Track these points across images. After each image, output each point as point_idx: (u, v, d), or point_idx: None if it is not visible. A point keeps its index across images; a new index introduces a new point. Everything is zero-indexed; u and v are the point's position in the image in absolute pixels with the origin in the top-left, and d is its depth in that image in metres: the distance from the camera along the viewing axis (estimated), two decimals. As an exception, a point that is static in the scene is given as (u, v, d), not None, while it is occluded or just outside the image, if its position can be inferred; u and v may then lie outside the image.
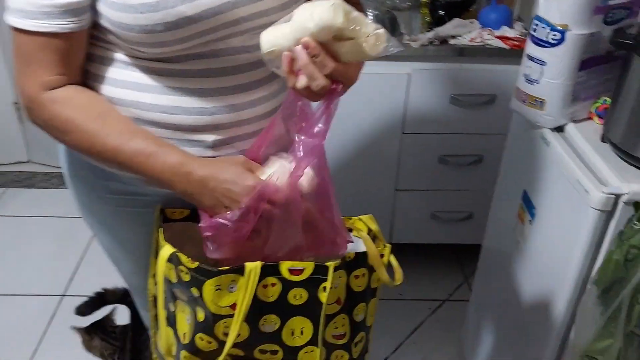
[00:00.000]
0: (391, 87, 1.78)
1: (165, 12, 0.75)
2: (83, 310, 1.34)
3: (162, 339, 0.93)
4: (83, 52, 0.83)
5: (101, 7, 0.78)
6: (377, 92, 1.78)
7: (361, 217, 0.98)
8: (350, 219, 0.98)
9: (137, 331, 1.46)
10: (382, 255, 0.92)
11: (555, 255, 1.16)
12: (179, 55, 0.81)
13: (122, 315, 1.48)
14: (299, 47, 0.74)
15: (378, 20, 1.82)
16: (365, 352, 1.00)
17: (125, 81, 0.83)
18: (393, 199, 1.98)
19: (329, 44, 0.75)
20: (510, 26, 1.77)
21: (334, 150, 1.86)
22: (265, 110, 0.91)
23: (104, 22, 0.79)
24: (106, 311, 1.49)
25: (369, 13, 1.84)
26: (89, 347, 1.45)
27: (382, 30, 0.77)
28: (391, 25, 1.85)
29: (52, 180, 2.63)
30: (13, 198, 2.51)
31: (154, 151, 0.81)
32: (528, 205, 1.28)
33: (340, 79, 0.78)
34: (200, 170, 0.81)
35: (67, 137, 0.83)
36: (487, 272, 1.61)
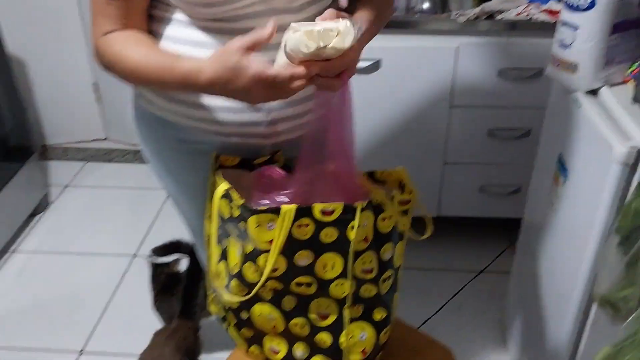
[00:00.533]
0: (440, 61, 1.85)
1: None
2: (158, 251, 1.49)
3: (212, 265, 1.06)
4: (140, 13, 0.96)
5: None
6: (425, 66, 1.85)
7: (394, 170, 1.07)
8: (383, 172, 1.08)
9: (192, 281, 1.62)
10: (406, 202, 1.01)
11: (582, 212, 1.21)
12: (233, 15, 0.93)
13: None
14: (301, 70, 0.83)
15: (429, -4, 1.90)
16: (394, 291, 1.08)
17: (184, 39, 0.96)
18: (441, 173, 2.04)
19: (318, 54, 0.82)
20: (559, 0, 1.80)
21: (383, 124, 1.95)
22: None
23: None
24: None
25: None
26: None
27: (342, 25, 0.82)
28: (441, 1, 1.92)
29: (126, 156, 2.85)
30: (92, 171, 2.75)
31: (181, 61, 0.91)
32: (562, 167, 1.33)
33: (346, 67, 0.86)
34: (209, 73, 0.87)
35: (117, 67, 0.95)
36: (527, 242, 1.66)
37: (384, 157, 1.97)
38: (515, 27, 1.79)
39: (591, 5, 1.15)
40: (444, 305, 1.93)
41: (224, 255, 1.06)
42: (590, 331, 1.23)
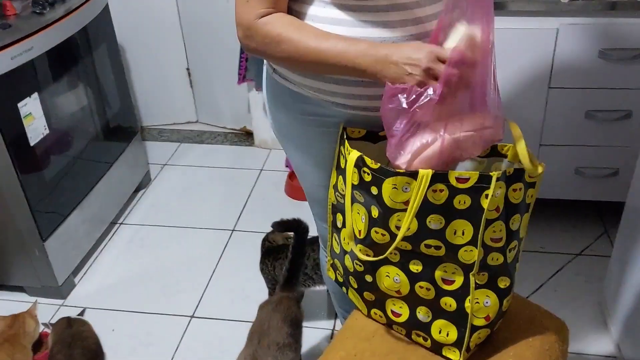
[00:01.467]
0: (539, 42, 1.85)
1: None
2: (277, 226, 1.58)
3: (347, 229, 1.12)
4: None
5: None
6: (525, 47, 1.86)
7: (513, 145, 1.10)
8: (505, 145, 1.11)
9: (297, 255, 1.70)
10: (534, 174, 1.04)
11: None
12: None
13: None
14: None
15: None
16: (516, 261, 1.11)
17: (324, 17, 1.03)
18: (537, 154, 2.04)
19: None
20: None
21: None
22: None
23: None
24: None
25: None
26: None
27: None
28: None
29: (217, 138, 2.98)
30: (186, 151, 2.89)
31: (346, 43, 0.99)
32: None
33: None
34: (384, 49, 0.97)
35: (279, 49, 1.01)
36: (632, 227, 1.64)
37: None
38: (616, 6, 1.77)
39: None
40: (540, 287, 1.94)
41: (350, 221, 1.12)
42: None
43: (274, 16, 1.02)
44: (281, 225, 1.57)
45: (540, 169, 1.05)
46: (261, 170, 2.71)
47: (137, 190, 2.55)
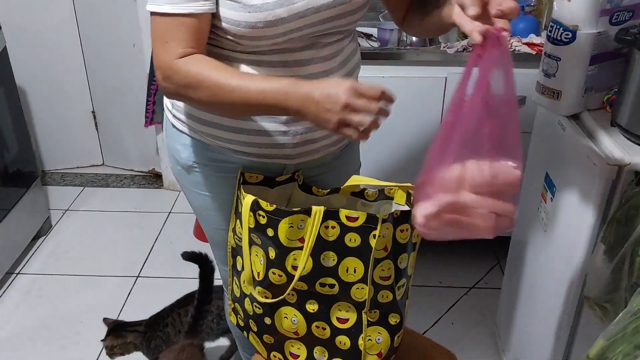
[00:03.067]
0: (430, 90, 1.99)
1: (266, 12, 0.98)
2: (186, 256, 1.57)
3: (246, 271, 1.15)
4: (208, 32, 1.04)
5: (219, 5, 1.00)
6: (417, 94, 1.99)
7: (400, 185, 1.18)
8: (392, 189, 1.19)
9: (202, 301, 1.70)
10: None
11: (571, 225, 1.34)
12: (266, 50, 1.04)
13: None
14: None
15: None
16: (406, 298, 1.18)
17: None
18: (432, 193, 2.16)
19: None
20: (537, 34, 1.96)
21: (381, 151, 2.07)
22: None
23: (216, 19, 1.01)
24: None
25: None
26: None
27: None
28: (430, 35, 2.07)
29: (124, 181, 2.93)
30: (91, 196, 2.81)
31: (268, 81, 1.00)
32: (549, 185, 1.46)
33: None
34: (306, 86, 0.96)
35: (200, 87, 0.99)
36: (517, 257, 1.77)
37: (384, 179, 2.08)
38: (499, 58, 1.94)
39: (572, 40, 1.29)
40: (438, 320, 2.04)
41: (250, 263, 1.15)
42: (580, 333, 1.35)
43: (195, 56, 1.02)
44: (189, 256, 1.58)
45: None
46: (169, 212, 2.68)
47: (36, 238, 2.45)
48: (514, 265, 1.80)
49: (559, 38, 1.31)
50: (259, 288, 1.13)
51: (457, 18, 0.94)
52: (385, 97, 0.94)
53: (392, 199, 1.20)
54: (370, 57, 1.94)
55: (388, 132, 2.06)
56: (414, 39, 2.20)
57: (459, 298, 2.14)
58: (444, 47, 1.98)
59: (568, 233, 1.36)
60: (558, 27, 1.31)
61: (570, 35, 1.29)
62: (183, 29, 1.00)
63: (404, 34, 2.13)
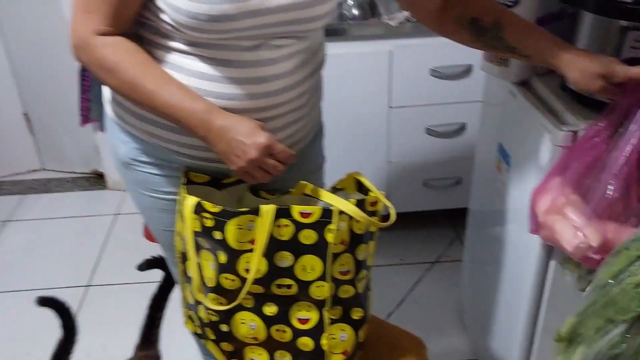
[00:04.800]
0: (375, 65, 1.93)
1: (210, 5, 0.89)
2: (142, 267, 1.47)
3: (195, 278, 1.07)
4: (133, 15, 0.95)
5: None
6: (364, 70, 1.93)
7: (349, 174, 1.12)
8: (341, 180, 1.13)
9: (156, 309, 1.60)
10: (375, 203, 1.05)
11: (527, 194, 1.31)
12: (207, 44, 0.95)
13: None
14: None
15: (357, 5, 1.96)
16: (368, 290, 1.13)
17: (176, 61, 0.98)
18: (387, 171, 2.13)
19: None
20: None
21: (329, 127, 2.00)
22: (295, 94, 1.05)
23: (159, 4, 0.93)
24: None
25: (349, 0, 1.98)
26: None
27: None
28: (370, 7, 2.00)
29: (65, 185, 2.78)
30: (30, 204, 2.66)
31: (185, 97, 0.95)
32: (504, 155, 1.42)
33: None
34: (221, 120, 0.94)
35: (111, 77, 0.95)
36: (475, 229, 1.75)
37: (332, 160, 2.02)
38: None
39: (517, 1, 1.24)
40: (402, 301, 2.00)
41: (199, 268, 1.07)
42: (547, 306, 1.32)
43: (116, 40, 0.94)
44: (147, 264, 1.47)
45: (380, 197, 1.07)
46: (116, 214, 2.56)
47: (-26, 255, 2.30)
48: (474, 238, 1.78)
49: (503, 2, 1.26)
50: (211, 295, 1.05)
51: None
52: (292, 161, 1.00)
53: (342, 189, 1.14)
54: (311, 35, 1.86)
55: (332, 114, 2.01)
56: (355, 12, 2.12)
57: (422, 275, 2.12)
58: (387, 20, 1.91)
59: (526, 201, 1.33)
60: (502, -10, 1.26)
61: (514, -1, 1.24)
62: (107, 3, 0.92)
63: (344, 8, 2.05)
